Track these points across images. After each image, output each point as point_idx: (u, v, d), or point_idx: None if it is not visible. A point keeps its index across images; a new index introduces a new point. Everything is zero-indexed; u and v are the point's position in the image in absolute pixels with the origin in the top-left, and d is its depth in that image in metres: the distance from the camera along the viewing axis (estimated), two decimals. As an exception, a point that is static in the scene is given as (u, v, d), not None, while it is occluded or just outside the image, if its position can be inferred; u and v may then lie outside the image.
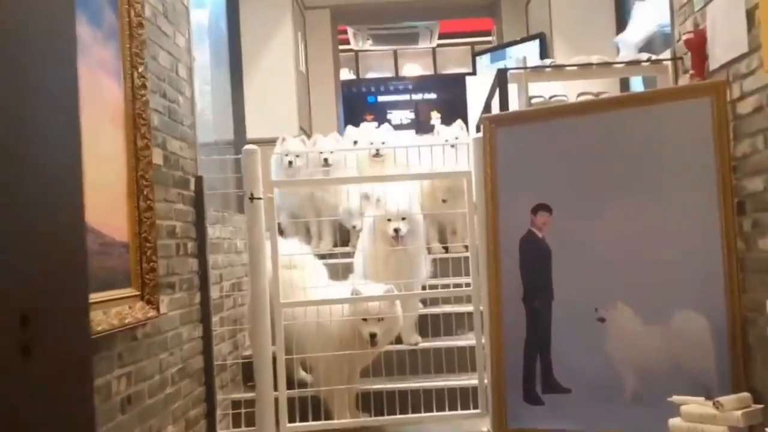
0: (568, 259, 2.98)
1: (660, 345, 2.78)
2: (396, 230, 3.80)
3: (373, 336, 3.24)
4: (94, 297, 2.14)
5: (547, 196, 3.03)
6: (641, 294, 2.82)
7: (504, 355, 3.06)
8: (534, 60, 5.68)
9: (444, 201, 4.40)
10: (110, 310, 2.25)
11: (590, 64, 3.39)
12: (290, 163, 4.40)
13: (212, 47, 4.87)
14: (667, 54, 3.28)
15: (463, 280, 3.71)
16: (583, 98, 3.26)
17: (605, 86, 4.38)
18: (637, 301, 2.82)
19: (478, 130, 5.07)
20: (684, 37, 2.86)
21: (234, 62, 5.43)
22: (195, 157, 3.27)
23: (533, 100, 3.37)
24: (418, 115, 11.82)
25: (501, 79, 3.33)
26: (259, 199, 3.14)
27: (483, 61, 6.99)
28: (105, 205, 2.31)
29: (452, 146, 3.82)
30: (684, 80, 3.07)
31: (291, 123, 6.10)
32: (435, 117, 11.81)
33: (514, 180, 3.12)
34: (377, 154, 4.52)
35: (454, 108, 11.17)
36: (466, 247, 4.97)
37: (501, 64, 6.61)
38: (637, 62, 3.33)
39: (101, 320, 2.15)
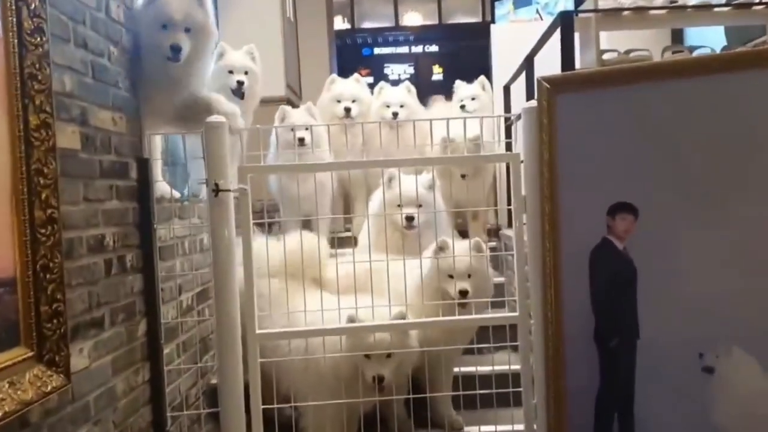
0: (661, 283, 2.14)
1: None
2: (409, 218, 2.95)
3: (379, 380, 2.40)
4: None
5: (631, 191, 2.18)
6: (765, 334, 1.98)
7: (567, 412, 2.22)
8: (568, 7, 4.77)
9: (463, 176, 3.51)
10: (-30, 399, 1.38)
11: (685, 7, 2.48)
12: (301, 140, 3.45)
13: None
14: (791, -6, 2.37)
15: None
16: (672, 54, 2.33)
17: (655, 40, 3.48)
18: (759, 345, 2.00)
19: (506, 95, 4.22)
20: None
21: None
22: (139, 133, 2.36)
23: (605, 56, 2.45)
24: (419, 69, 10.89)
25: (565, 26, 2.40)
26: (227, 191, 2.25)
27: (504, 6, 6.02)
28: (-39, 225, 1.42)
29: (505, 119, 2.86)
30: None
31: (277, 82, 5.19)
32: (436, 72, 10.91)
33: (582, 168, 2.25)
34: (395, 116, 3.72)
35: (460, 62, 10.26)
36: (489, 233, 4.17)
37: (527, 11, 5.70)
38: (747, 5, 2.42)
39: (-55, 426, 1.29)
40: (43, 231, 1.66)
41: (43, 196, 1.67)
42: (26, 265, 1.62)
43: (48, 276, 1.67)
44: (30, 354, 1.61)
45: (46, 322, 1.66)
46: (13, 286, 1.58)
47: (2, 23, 1.58)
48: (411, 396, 2.65)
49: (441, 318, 2.54)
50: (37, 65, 1.67)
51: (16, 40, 1.62)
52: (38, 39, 1.68)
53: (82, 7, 1.99)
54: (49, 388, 1.63)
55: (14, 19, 1.61)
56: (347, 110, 3.90)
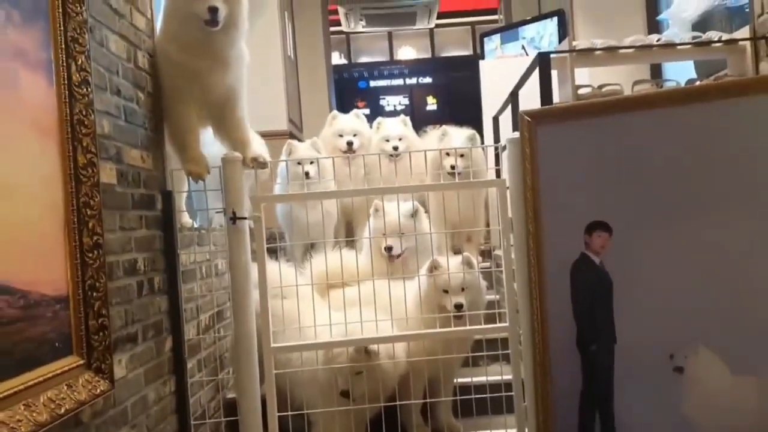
0: (634, 292, 2.36)
1: (753, 402, 2.18)
2: (388, 249, 3.18)
3: (344, 395, 2.63)
4: (9, 386, 1.54)
5: (606, 211, 2.41)
6: (729, 337, 2.21)
7: (553, 412, 2.45)
8: (553, 42, 5.08)
9: (452, 168, 3.73)
10: (37, 398, 1.62)
11: (650, 46, 2.75)
12: (307, 174, 3.71)
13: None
14: (743, 32, 2.64)
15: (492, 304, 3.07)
16: (641, 88, 2.61)
17: (631, 74, 3.76)
18: (724, 345, 2.21)
19: (495, 125, 4.50)
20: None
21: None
22: (162, 168, 2.62)
23: (580, 90, 2.72)
24: (413, 100, 11.18)
25: (543, 65, 2.67)
26: (244, 218, 2.51)
27: (493, 42, 6.32)
28: (28, 250, 1.66)
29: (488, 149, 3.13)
30: (770, 64, 2.45)
31: (279, 116, 5.46)
32: (430, 102, 11.20)
33: (562, 191, 2.50)
34: (395, 150, 3.95)
35: (452, 93, 10.59)
36: (483, 254, 4.42)
37: (514, 46, 6.00)
38: (707, 43, 2.70)
39: (21, 420, 1.52)
40: (90, 255, 1.90)
41: (90, 225, 1.91)
42: (77, 284, 1.85)
43: (95, 294, 1.90)
44: (81, 362, 1.85)
45: (93, 335, 1.89)
46: (67, 303, 1.82)
47: (56, 77, 1.83)
48: (413, 402, 2.89)
49: (438, 330, 2.77)
50: (84, 112, 1.92)
51: (66, 92, 1.86)
52: (84, 90, 1.93)
53: (115, 59, 2.25)
54: (98, 391, 1.86)
55: (65, 74, 1.86)
56: (349, 144, 4.10)
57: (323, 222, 3.20)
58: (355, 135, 4.14)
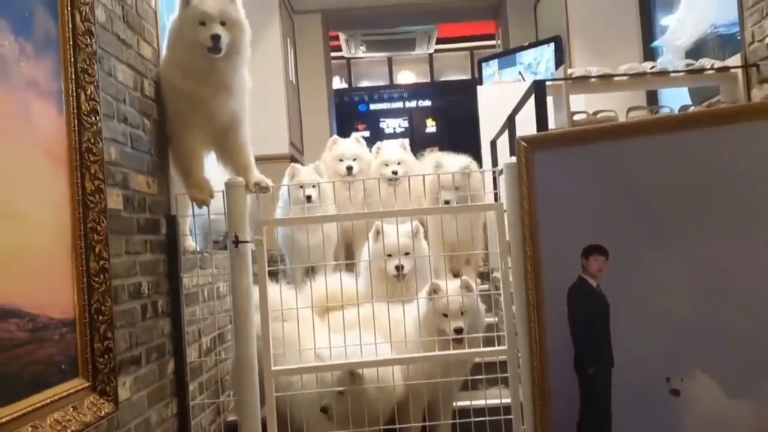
0: (631, 315, 2.39)
1: (749, 425, 2.20)
2: (398, 267, 3.23)
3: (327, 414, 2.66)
4: (17, 408, 1.57)
5: (602, 235, 2.44)
6: (725, 360, 2.24)
7: (552, 435, 2.48)
8: (549, 67, 5.15)
9: (447, 202, 3.79)
10: (44, 420, 1.66)
11: (644, 73, 2.82)
12: (309, 198, 3.76)
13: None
14: (735, 60, 2.71)
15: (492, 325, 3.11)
16: (636, 114, 2.66)
17: (627, 100, 3.83)
18: (720, 368, 2.24)
19: (493, 149, 4.55)
20: (768, 41, 2.29)
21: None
22: (167, 193, 2.67)
23: (575, 117, 2.78)
24: (413, 123, 11.27)
25: (538, 92, 2.74)
26: (246, 242, 2.55)
27: (490, 67, 6.41)
28: (36, 275, 1.71)
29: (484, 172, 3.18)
30: (761, 91, 2.51)
31: (281, 140, 5.54)
32: (430, 125, 11.29)
33: (558, 215, 2.54)
34: (395, 174, 4.00)
35: (451, 115, 10.70)
36: (482, 276, 4.46)
37: (511, 71, 6.08)
38: (699, 70, 2.76)
39: (28, 441, 1.56)
40: (96, 279, 1.94)
41: (97, 249, 1.96)
42: (83, 308, 1.90)
43: (100, 318, 1.95)
44: (87, 384, 1.88)
45: (99, 357, 1.93)
46: (73, 326, 1.86)
47: (66, 107, 1.89)
48: (412, 426, 2.91)
49: (436, 352, 2.80)
50: (92, 140, 1.98)
51: (76, 121, 1.92)
52: (93, 118, 1.99)
53: (123, 88, 2.31)
54: (103, 413, 1.90)
55: (75, 103, 1.92)
56: (349, 168, 4.15)
57: (323, 245, 3.24)
58: (354, 159, 4.19)
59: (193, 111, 2.64)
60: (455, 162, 3.83)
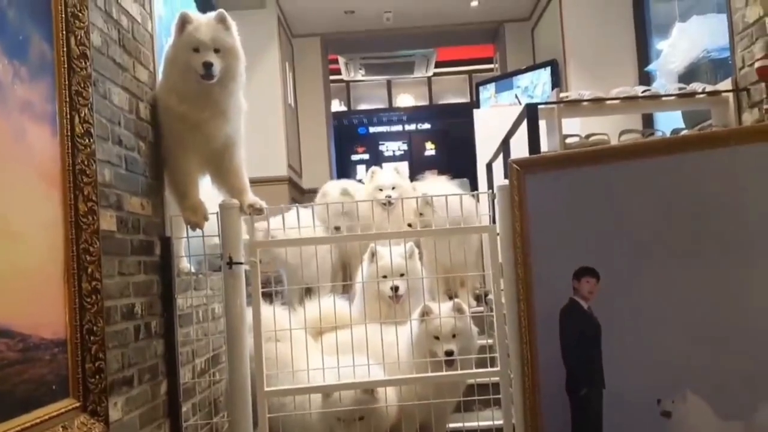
0: (622, 337, 2.39)
1: (740, 447, 2.20)
2: (394, 288, 3.25)
3: None
4: (7, 427, 1.58)
5: (593, 258, 2.45)
6: (717, 382, 2.24)
7: (544, 457, 2.47)
8: (546, 90, 5.19)
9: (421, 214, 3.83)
10: (33, 440, 1.66)
11: (636, 97, 2.85)
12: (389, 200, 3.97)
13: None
14: (726, 84, 2.74)
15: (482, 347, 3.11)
16: (628, 137, 2.69)
17: (623, 123, 3.86)
18: (711, 391, 2.24)
19: (488, 172, 4.59)
20: (757, 65, 2.32)
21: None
22: (162, 214, 2.69)
23: (568, 140, 2.81)
24: (412, 146, 11.33)
25: (531, 115, 2.77)
26: (240, 264, 2.57)
27: (488, 91, 6.47)
28: (29, 295, 1.72)
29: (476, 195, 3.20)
30: (751, 115, 2.53)
31: (279, 162, 5.57)
32: (429, 148, 11.35)
33: (550, 237, 2.55)
34: (389, 203, 4.05)
35: (450, 138, 10.76)
36: (478, 298, 4.47)
37: (508, 95, 6.13)
38: (690, 94, 2.79)
39: (16, 461, 1.56)
40: (89, 300, 1.95)
41: (89, 270, 1.97)
42: (75, 328, 1.91)
43: (92, 338, 1.95)
44: (77, 404, 1.89)
45: (90, 378, 1.93)
46: (65, 347, 1.87)
47: (60, 129, 1.92)
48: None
49: (430, 374, 2.80)
50: (86, 162, 2.00)
51: (70, 143, 1.94)
52: (87, 140, 2.01)
53: (118, 111, 2.34)
54: (93, 433, 1.91)
55: (69, 126, 1.95)
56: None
57: (317, 266, 3.27)
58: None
59: (188, 134, 2.67)
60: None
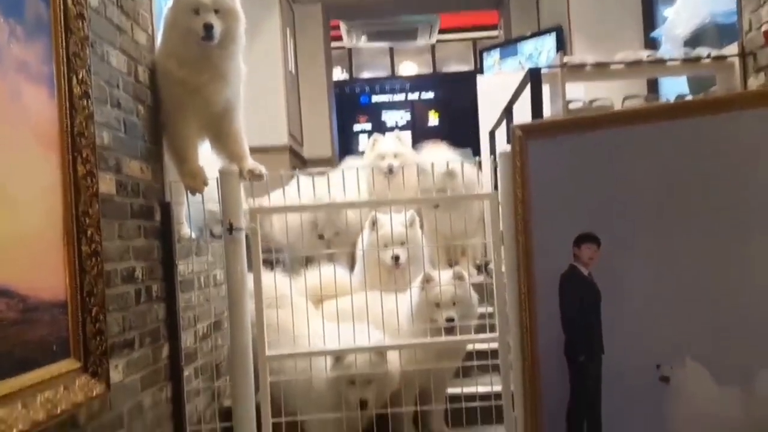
0: (622, 303, 2.39)
1: (738, 412, 2.21)
2: (395, 257, 3.26)
3: (363, 405, 2.67)
4: (7, 386, 1.59)
5: (594, 224, 2.44)
6: (715, 348, 2.25)
7: (542, 421, 2.49)
8: (550, 57, 5.14)
9: (436, 207, 3.80)
10: (35, 398, 1.68)
11: (640, 61, 2.82)
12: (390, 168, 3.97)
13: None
14: (732, 49, 2.70)
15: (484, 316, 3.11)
16: (632, 103, 2.66)
17: (627, 89, 3.82)
18: (710, 356, 2.24)
19: (491, 140, 4.56)
20: (764, 28, 2.29)
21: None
22: (162, 179, 2.68)
23: (571, 105, 2.78)
24: (415, 115, 11.25)
25: (534, 80, 2.74)
26: (240, 230, 2.57)
27: (491, 57, 6.40)
28: (28, 257, 1.72)
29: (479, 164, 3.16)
30: (757, 80, 2.51)
31: (280, 130, 5.53)
32: (432, 117, 11.28)
33: (551, 204, 2.54)
34: (391, 171, 4.01)
35: (454, 107, 10.68)
36: (479, 268, 4.47)
37: (512, 61, 6.07)
38: (696, 59, 2.76)
39: (18, 418, 1.57)
40: (88, 262, 1.95)
41: (89, 233, 1.97)
42: (75, 290, 1.91)
43: (92, 300, 1.96)
44: (78, 365, 1.90)
45: (90, 339, 1.94)
46: (65, 308, 1.87)
47: (57, 91, 1.90)
48: (405, 409, 2.93)
49: (430, 339, 2.82)
50: (84, 124, 1.98)
51: (67, 104, 1.93)
52: (85, 102, 1.99)
53: (116, 73, 2.32)
54: (94, 394, 1.91)
55: (66, 87, 1.93)
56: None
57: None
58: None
59: (188, 99, 2.65)
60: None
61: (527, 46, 6.02)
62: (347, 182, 3.31)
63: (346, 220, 3.75)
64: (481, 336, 2.80)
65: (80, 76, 1.98)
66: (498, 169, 2.68)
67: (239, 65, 2.74)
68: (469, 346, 3.08)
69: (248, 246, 2.62)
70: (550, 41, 5.67)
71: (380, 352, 2.75)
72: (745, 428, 2.20)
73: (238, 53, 2.69)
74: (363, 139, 10.77)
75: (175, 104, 2.67)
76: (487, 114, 4.63)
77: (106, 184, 2.16)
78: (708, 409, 2.26)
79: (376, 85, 11.20)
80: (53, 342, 1.81)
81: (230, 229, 2.54)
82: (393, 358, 2.86)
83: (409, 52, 11.15)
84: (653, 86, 4.71)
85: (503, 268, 2.68)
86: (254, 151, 2.88)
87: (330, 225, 3.96)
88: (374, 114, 11.19)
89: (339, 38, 9.83)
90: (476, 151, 5.15)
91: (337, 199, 3.67)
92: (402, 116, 11.30)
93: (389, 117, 11.28)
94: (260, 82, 5.38)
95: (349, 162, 4.47)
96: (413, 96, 11.24)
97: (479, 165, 3.11)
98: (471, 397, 2.89)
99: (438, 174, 3.52)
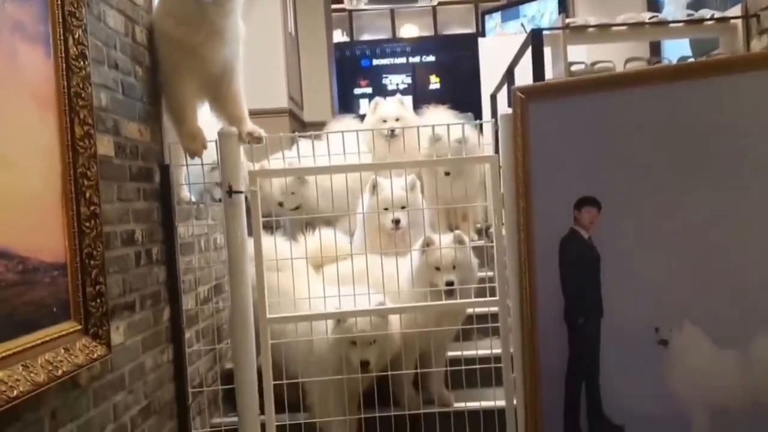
0: (622, 267, 2.40)
1: (736, 375, 2.23)
2: (395, 221, 3.25)
3: (365, 365, 2.69)
4: (8, 347, 1.60)
5: (594, 187, 2.44)
6: (713, 312, 2.25)
7: (541, 384, 2.51)
8: (553, 20, 5.08)
9: (447, 174, 3.79)
10: (35, 360, 1.68)
11: (642, 23, 2.77)
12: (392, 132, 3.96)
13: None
14: (735, 11, 2.66)
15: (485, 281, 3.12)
16: (633, 65, 2.63)
17: (629, 51, 3.78)
18: (707, 320, 2.25)
19: (493, 103, 4.53)
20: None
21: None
22: (161, 142, 2.66)
23: (573, 67, 2.75)
24: (416, 79, 11.16)
25: (535, 42, 2.70)
26: (240, 192, 2.56)
27: (493, 20, 6.33)
28: (27, 218, 1.71)
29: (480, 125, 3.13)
30: (760, 42, 2.47)
31: (279, 94, 5.48)
32: (434, 81, 11.19)
33: (552, 167, 2.52)
34: (392, 134, 3.97)
35: (455, 71, 10.59)
36: (479, 233, 4.47)
37: (514, 24, 6.00)
38: (699, 21, 2.72)
39: (19, 379, 1.58)
40: (87, 224, 1.95)
41: (87, 195, 1.96)
42: (74, 252, 1.91)
43: (92, 262, 1.96)
44: (78, 327, 1.91)
45: (91, 301, 1.95)
46: (65, 270, 1.87)
47: (53, 51, 1.88)
48: (405, 372, 2.96)
49: (431, 302, 2.83)
50: (81, 85, 1.96)
51: (64, 65, 1.90)
52: (81, 63, 1.97)
53: (113, 33, 2.29)
54: (95, 355, 1.92)
55: (63, 47, 1.90)
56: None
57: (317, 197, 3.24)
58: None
59: (185, 59, 2.62)
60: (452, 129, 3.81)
61: (529, 9, 5.95)
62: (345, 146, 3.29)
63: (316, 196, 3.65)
64: (482, 300, 2.80)
65: (77, 36, 1.95)
66: (499, 132, 2.66)
67: (237, 24, 2.70)
68: (469, 310, 3.09)
69: (248, 210, 2.61)
70: (552, 3, 5.60)
71: (381, 314, 2.75)
72: (742, 390, 2.21)
73: (235, 11, 2.64)
74: (363, 102, 10.70)
75: (172, 65, 2.64)
76: (489, 77, 4.59)
77: (105, 145, 2.15)
78: (706, 372, 2.27)
79: (377, 48, 11.09)
80: (53, 304, 1.81)
81: (230, 192, 2.53)
82: (393, 320, 2.88)
83: (410, 15, 11.02)
84: (656, 49, 4.65)
85: (504, 232, 2.67)
86: (253, 113, 2.85)
87: (290, 197, 3.99)
88: (375, 77, 11.10)
89: (339, 0, 9.71)
90: (478, 116, 5.12)
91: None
92: (403, 80, 11.21)
93: (390, 81, 11.19)
94: (259, 44, 5.31)
95: (344, 122, 4.38)
96: (414, 59, 11.13)
97: (480, 128, 3.09)
98: (471, 360, 2.91)
99: (452, 140, 3.49)
